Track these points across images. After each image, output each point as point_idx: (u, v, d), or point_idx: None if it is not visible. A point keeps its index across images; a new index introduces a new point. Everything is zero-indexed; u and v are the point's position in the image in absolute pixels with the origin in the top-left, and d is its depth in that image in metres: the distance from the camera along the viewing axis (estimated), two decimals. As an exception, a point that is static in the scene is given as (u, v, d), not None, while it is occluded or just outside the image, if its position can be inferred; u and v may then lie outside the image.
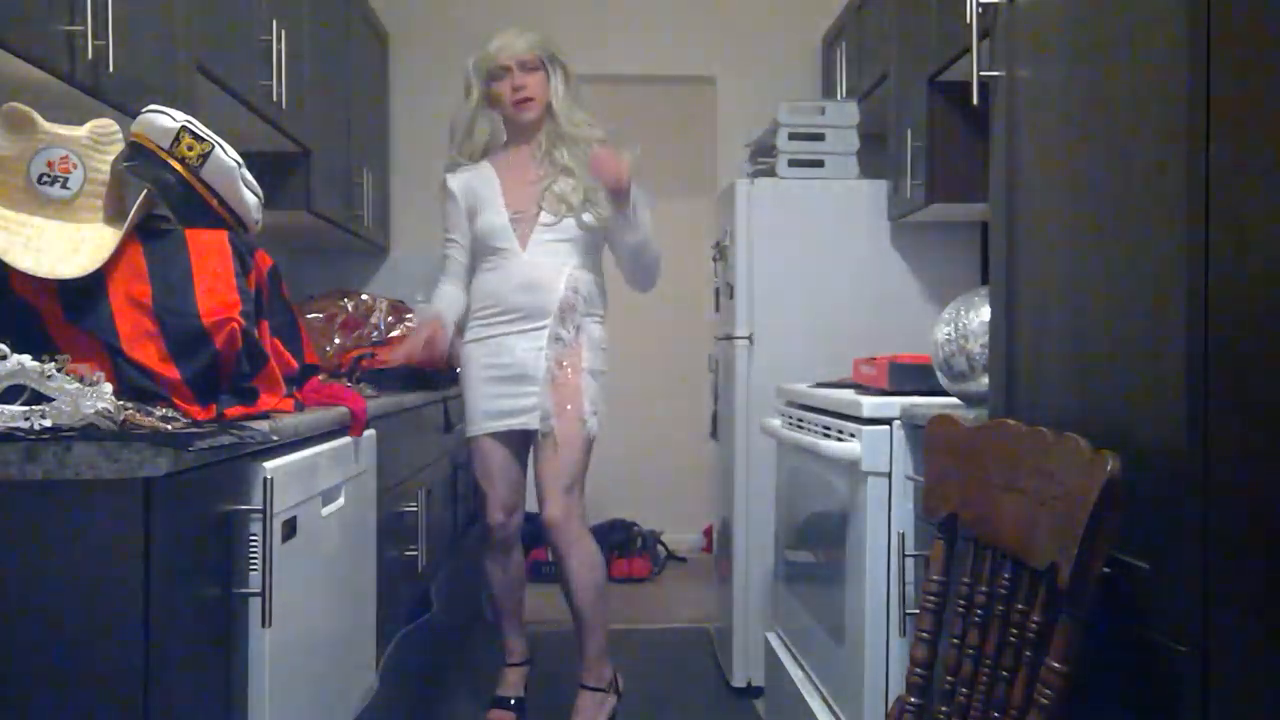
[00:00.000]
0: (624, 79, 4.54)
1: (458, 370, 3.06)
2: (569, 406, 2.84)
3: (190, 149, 1.66)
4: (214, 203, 1.71)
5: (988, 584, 1.45)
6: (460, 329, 2.99)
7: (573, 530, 2.87)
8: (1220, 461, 1.15)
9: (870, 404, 2.22)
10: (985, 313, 1.91)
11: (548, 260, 2.86)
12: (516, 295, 2.86)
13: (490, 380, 2.89)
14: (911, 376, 2.34)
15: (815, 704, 2.48)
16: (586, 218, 2.85)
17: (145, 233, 1.58)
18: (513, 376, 2.86)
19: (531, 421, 2.85)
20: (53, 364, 1.31)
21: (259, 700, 1.50)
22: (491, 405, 2.89)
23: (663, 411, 5.32)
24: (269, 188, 2.04)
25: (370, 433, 2.12)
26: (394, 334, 3.36)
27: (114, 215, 1.58)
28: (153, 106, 1.69)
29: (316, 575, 1.77)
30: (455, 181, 2.96)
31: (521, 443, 2.96)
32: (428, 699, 2.97)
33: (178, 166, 1.65)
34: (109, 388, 1.33)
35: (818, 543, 2.59)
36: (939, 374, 2.09)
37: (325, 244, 3.94)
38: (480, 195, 2.92)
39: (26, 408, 1.26)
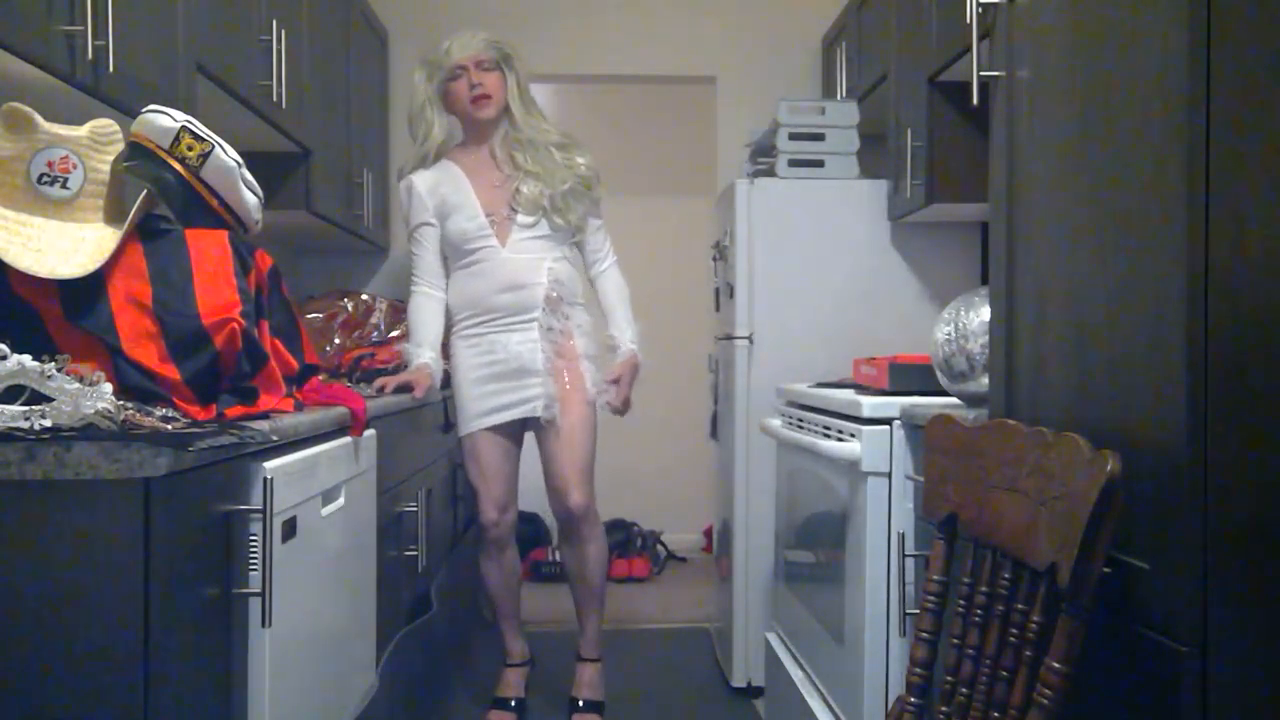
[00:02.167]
0: (624, 79, 4.54)
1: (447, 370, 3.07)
2: (575, 396, 2.90)
3: (190, 149, 1.66)
4: (214, 203, 1.71)
5: (988, 584, 1.45)
6: (444, 347, 3.04)
7: (595, 514, 3.00)
8: (1220, 461, 1.15)
9: (870, 404, 2.22)
10: (985, 313, 1.91)
11: (528, 256, 2.91)
12: (499, 296, 2.90)
13: (484, 378, 2.91)
14: (911, 376, 2.34)
15: (815, 704, 2.48)
16: (557, 220, 2.92)
17: (145, 233, 1.58)
18: (511, 371, 2.89)
19: (536, 409, 2.87)
20: (53, 364, 1.31)
21: (259, 700, 1.50)
22: (486, 402, 2.92)
23: (663, 411, 5.31)
24: (269, 188, 2.04)
25: (370, 433, 2.12)
26: (394, 333, 3.37)
27: (114, 215, 1.58)
28: (153, 106, 1.69)
29: (316, 575, 1.77)
30: (422, 182, 2.96)
31: (515, 440, 2.98)
32: (428, 699, 2.96)
33: (178, 166, 1.66)
34: (109, 388, 1.33)
35: (817, 543, 2.59)
36: (939, 374, 2.09)
37: (325, 244, 3.94)
38: (449, 198, 2.93)
39: (26, 408, 1.26)
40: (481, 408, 2.92)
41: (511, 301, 2.89)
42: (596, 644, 3.09)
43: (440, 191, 2.94)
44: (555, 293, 2.90)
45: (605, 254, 3.07)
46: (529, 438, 3.02)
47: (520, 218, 2.90)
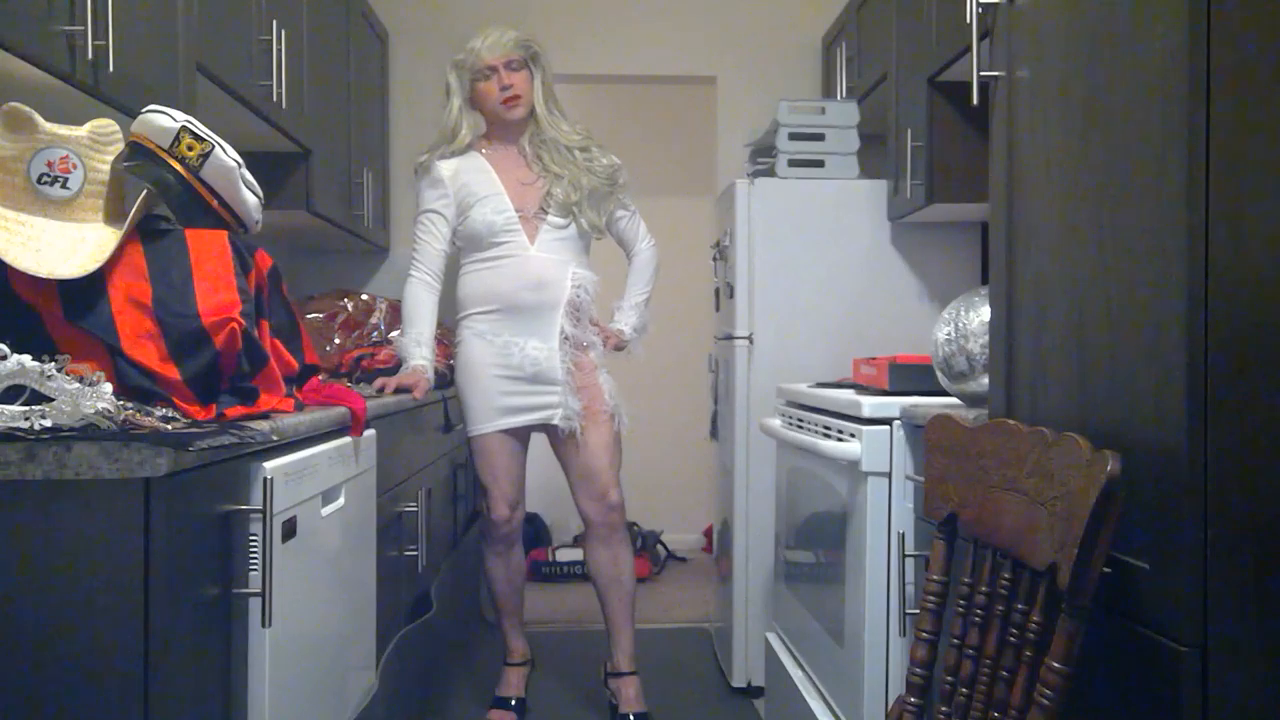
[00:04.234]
0: (624, 79, 4.54)
1: (452, 364, 3.07)
2: (596, 406, 2.91)
3: (190, 149, 1.66)
4: (214, 203, 1.71)
5: (988, 584, 1.45)
6: (444, 343, 3.04)
7: (625, 518, 2.98)
8: (1220, 461, 1.15)
9: (870, 404, 2.22)
10: (985, 313, 1.91)
11: (555, 258, 2.91)
12: (525, 293, 2.88)
13: (501, 379, 2.89)
14: (911, 376, 2.34)
15: (815, 704, 2.48)
16: (583, 223, 2.94)
17: (145, 233, 1.58)
18: (528, 376, 2.88)
19: (553, 416, 2.87)
20: (53, 364, 1.31)
21: (259, 700, 1.50)
22: (503, 402, 2.89)
23: (663, 411, 5.32)
24: (269, 188, 2.04)
25: (370, 433, 2.12)
26: (394, 334, 3.36)
27: (114, 215, 1.58)
28: (153, 106, 1.69)
29: (316, 575, 1.77)
30: (446, 168, 2.93)
31: (525, 441, 2.98)
32: (428, 699, 2.96)
33: (178, 166, 1.66)
34: (109, 388, 1.33)
35: (817, 543, 2.59)
36: (939, 374, 2.09)
37: (325, 244, 3.94)
38: (475, 188, 2.91)
39: (26, 408, 1.26)
40: (496, 407, 2.90)
41: (535, 300, 2.87)
42: (633, 656, 3.03)
43: (464, 179, 2.92)
44: (578, 298, 2.90)
45: (641, 236, 3.13)
46: (540, 442, 3.03)
47: (552, 218, 2.91)
